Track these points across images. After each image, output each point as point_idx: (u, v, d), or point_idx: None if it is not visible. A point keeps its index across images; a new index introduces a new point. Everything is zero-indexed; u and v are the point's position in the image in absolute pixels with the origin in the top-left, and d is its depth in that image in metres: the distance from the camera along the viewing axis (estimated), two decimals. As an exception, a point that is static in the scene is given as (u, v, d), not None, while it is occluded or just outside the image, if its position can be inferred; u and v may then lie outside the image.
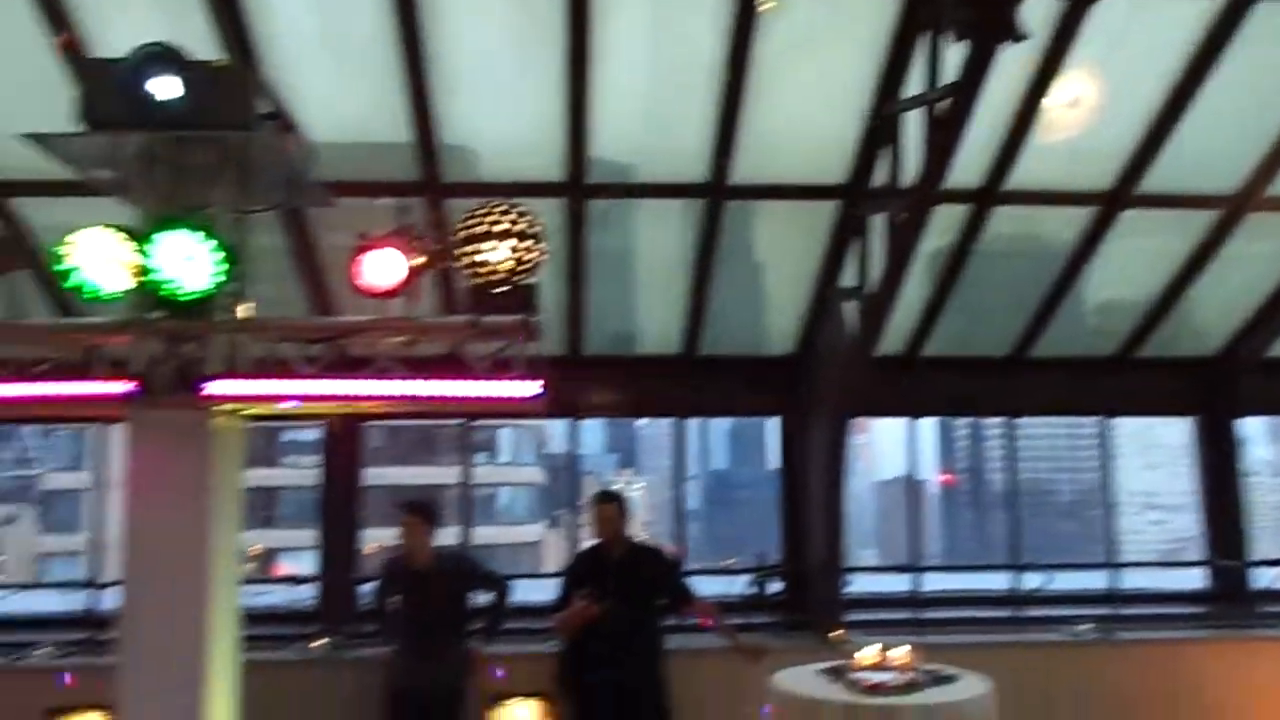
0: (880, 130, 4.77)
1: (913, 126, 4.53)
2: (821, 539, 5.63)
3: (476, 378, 3.45)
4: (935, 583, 6.50)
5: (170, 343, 3.42)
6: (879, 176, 4.89)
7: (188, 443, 3.43)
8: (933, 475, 52.14)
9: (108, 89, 3.21)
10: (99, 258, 3.18)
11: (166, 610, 3.38)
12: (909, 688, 3.74)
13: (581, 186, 5.04)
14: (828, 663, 4.11)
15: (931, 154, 4.35)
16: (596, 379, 5.88)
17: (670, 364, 5.99)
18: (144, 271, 3.15)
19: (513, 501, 39.72)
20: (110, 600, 5.78)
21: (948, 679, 3.91)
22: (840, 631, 5.35)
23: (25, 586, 7.22)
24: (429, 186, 4.90)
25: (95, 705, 4.83)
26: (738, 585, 6.05)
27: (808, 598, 5.78)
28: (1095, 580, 6.61)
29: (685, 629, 5.30)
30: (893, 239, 4.72)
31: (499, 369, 3.50)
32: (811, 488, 5.77)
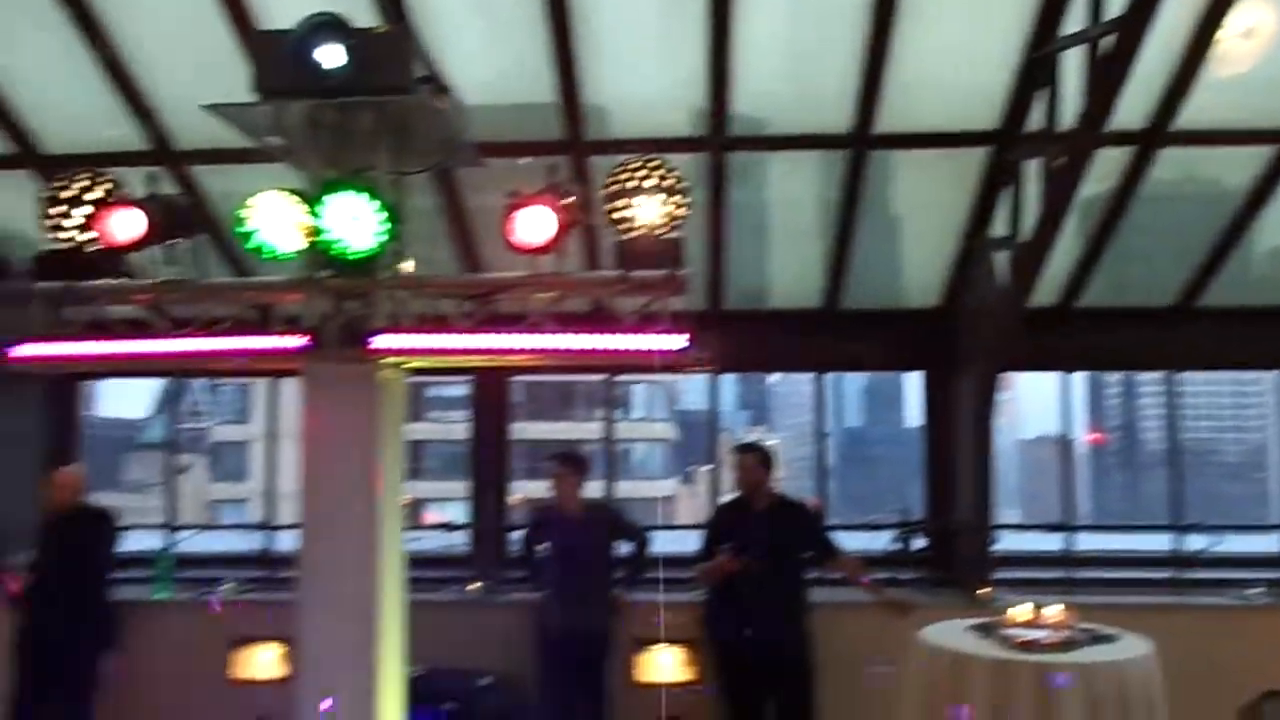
0: (1037, 71, 4.55)
1: (1072, 66, 4.31)
2: (968, 496, 5.51)
3: (624, 332, 3.51)
4: (1088, 543, 6.28)
5: (338, 299, 3.62)
6: (1034, 120, 4.68)
7: (356, 393, 3.63)
8: (1082, 433, 50.05)
9: (278, 60, 3.39)
10: (275, 220, 3.38)
11: (340, 550, 3.61)
12: (1065, 645, 3.64)
13: (722, 140, 5.02)
14: (977, 619, 4.04)
15: (1093, 94, 4.12)
16: (735, 334, 5.87)
17: (810, 318, 5.94)
18: (315, 232, 3.34)
19: (646, 457, 40.33)
20: (283, 541, 6.24)
21: (1107, 638, 3.79)
22: (988, 589, 5.24)
23: (204, 528, 7.84)
24: (573, 145, 4.97)
25: (275, 637, 5.25)
26: (880, 541, 6.00)
27: (953, 555, 5.68)
28: (1265, 544, 6.26)
29: (828, 583, 5.33)
30: (1049, 185, 4.52)
31: (645, 323, 3.56)
32: (957, 444, 5.64)
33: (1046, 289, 5.38)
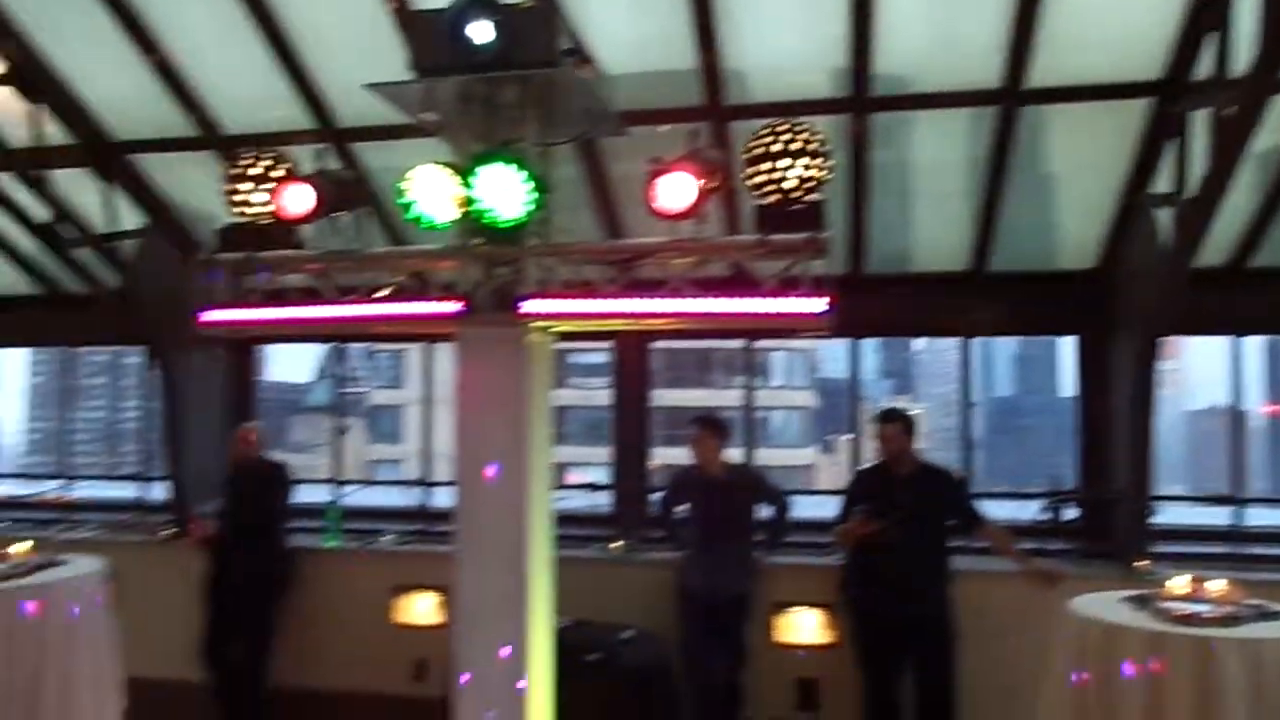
0: (1205, 14, 4.27)
1: (1246, 6, 4.03)
2: (1125, 465, 5.29)
3: (764, 295, 3.55)
4: (1260, 518, 5.93)
5: (490, 266, 3.81)
6: (1202, 68, 4.40)
7: (506, 355, 3.81)
8: (1257, 404, 46.54)
9: (432, 38, 3.57)
10: (431, 192, 3.57)
11: (492, 504, 3.82)
12: (1228, 621, 3.48)
13: (864, 100, 4.94)
14: (1131, 591, 3.90)
15: (1270, 36, 3.84)
16: (878, 298, 5.80)
17: (956, 281, 5.79)
18: (467, 203, 3.51)
19: (785, 425, 40.05)
20: (438, 497, 6.60)
21: (1276, 615, 3.61)
22: (1145, 562, 5.04)
23: (366, 483, 8.34)
24: (714, 110, 4.99)
25: (432, 586, 5.59)
26: (1030, 511, 5.83)
27: (1108, 526, 5.47)
28: None
29: (973, 551, 5.24)
30: (1218, 137, 4.24)
31: (786, 287, 3.59)
32: (1114, 411, 5.41)
33: (1215, 248, 5.05)
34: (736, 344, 6.90)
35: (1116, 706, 3.44)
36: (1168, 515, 5.67)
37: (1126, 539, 5.17)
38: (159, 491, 7.06)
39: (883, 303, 5.78)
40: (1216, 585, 3.74)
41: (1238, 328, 5.74)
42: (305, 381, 45.28)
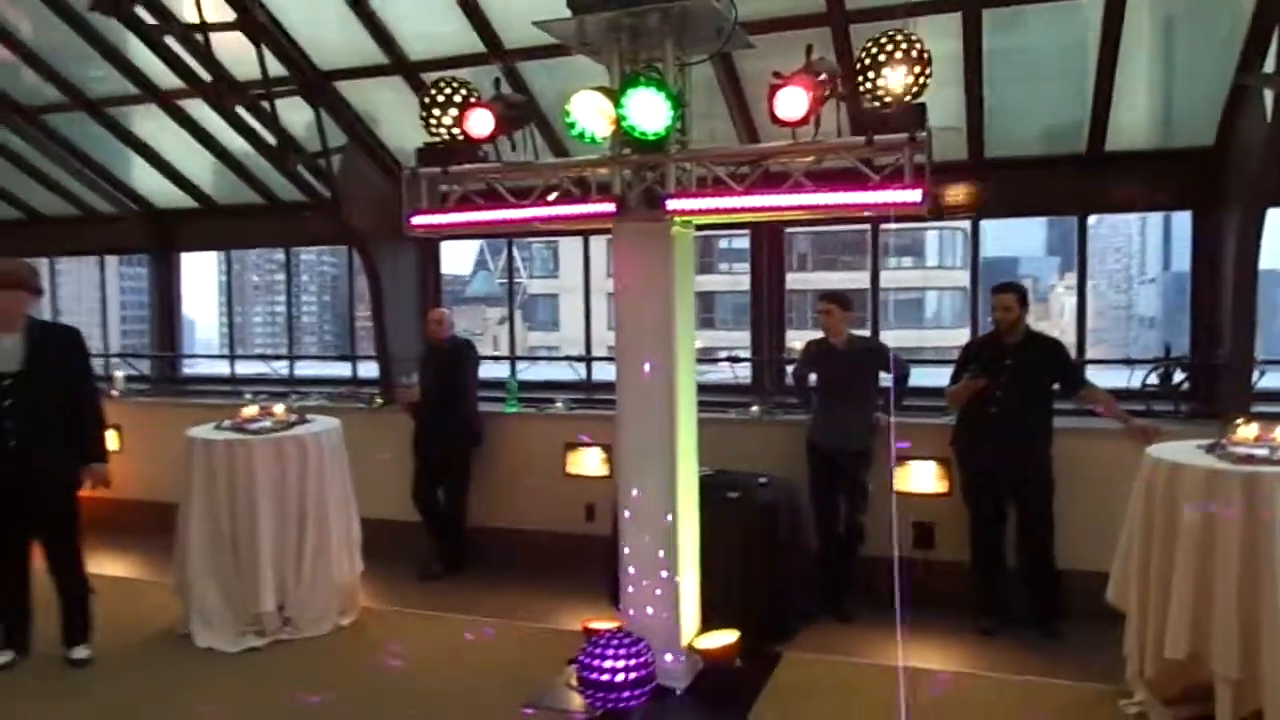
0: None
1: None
2: (1231, 332, 5.64)
3: (869, 188, 4.17)
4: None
5: (638, 171, 4.57)
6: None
7: (654, 246, 4.60)
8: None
9: (586, -20, 4.27)
10: (589, 112, 4.33)
11: (645, 372, 4.67)
12: (1284, 462, 3.98)
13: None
14: (1208, 440, 4.39)
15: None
16: (999, 180, 6.20)
17: (1072, 161, 6.13)
18: (619, 120, 4.26)
19: (940, 306, 39.47)
20: (597, 371, 7.57)
21: (1332, 458, 4.06)
22: (1242, 421, 5.44)
23: (536, 359, 9.42)
24: (834, 15, 5.48)
25: (597, 443, 6.59)
26: (1148, 377, 6.24)
27: (1214, 390, 5.86)
28: None
29: (1080, 412, 5.76)
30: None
31: (891, 179, 4.19)
32: (1222, 281, 5.73)
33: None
34: (892, 226, 7.37)
35: (1174, 538, 4.03)
36: (1272, 380, 5.98)
37: (1228, 400, 5.54)
38: (363, 368, 8.37)
39: (1003, 185, 6.20)
40: (1281, 432, 4.21)
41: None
42: (466, 274, 47.81)
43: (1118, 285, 64.78)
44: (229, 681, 4.87)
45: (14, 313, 4.87)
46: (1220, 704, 3.91)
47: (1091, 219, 6.56)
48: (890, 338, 6.83)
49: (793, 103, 4.09)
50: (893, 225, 5.53)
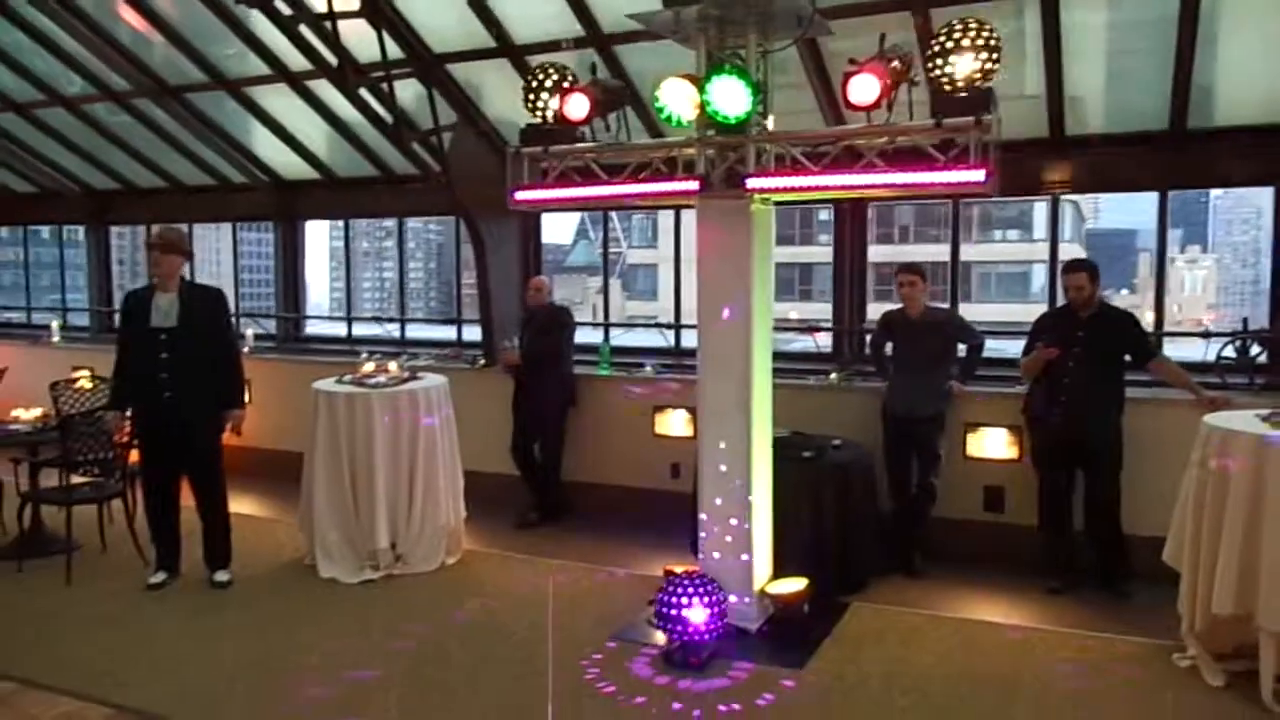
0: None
1: None
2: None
3: (936, 168, 4.44)
4: None
5: (720, 151, 4.93)
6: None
7: (735, 222, 4.97)
8: None
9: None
10: (677, 97, 4.70)
11: (726, 338, 5.05)
12: (1336, 432, 4.13)
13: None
14: (1267, 410, 4.53)
15: None
16: (1077, 157, 6.32)
17: (1157, 137, 6.20)
18: (704, 104, 4.62)
19: (1047, 279, 38.52)
20: (686, 338, 7.96)
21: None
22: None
23: (629, 326, 9.87)
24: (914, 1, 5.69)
25: (683, 406, 7.01)
26: (1227, 350, 6.31)
27: (1290, 363, 5.93)
28: None
29: (1152, 384, 5.91)
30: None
31: (959, 159, 4.45)
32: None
33: None
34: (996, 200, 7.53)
35: (1224, 501, 4.24)
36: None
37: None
38: (468, 331, 8.96)
39: (1088, 161, 6.33)
40: (1340, 405, 4.34)
41: None
42: (567, 244, 48.67)
43: (1244, 258, 61.74)
44: (348, 607, 5.48)
45: (174, 274, 5.56)
46: (1264, 659, 4.12)
47: (1216, 191, 6.55)
48: (994, 311, 7.02)
49: (865, 88, 4.38)
50: (999, 199, 5.73)
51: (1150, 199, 6.70)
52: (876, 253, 9.44)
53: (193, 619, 5.30)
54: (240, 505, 7.17)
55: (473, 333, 8.79)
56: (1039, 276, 38.48)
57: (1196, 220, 61.62)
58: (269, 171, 9.45)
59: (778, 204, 5.17)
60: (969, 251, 34.70)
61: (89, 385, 7.66)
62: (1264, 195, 6.17)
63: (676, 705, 4.22)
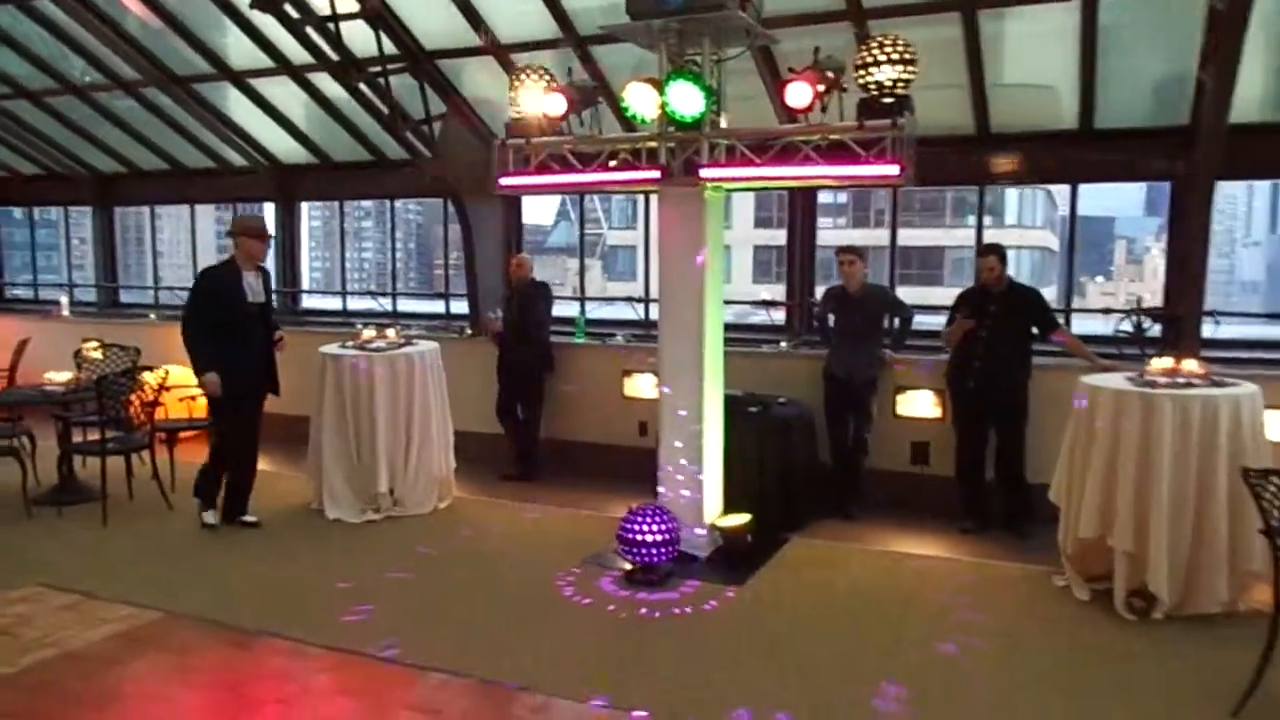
0: None
1: None
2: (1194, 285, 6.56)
3: (858, 162, 5.25)
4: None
5: (680, 145, 5.72)
6: None
7: (690, 207, 5.76)
8: None
9: (641, -5, 5.40)
10: (640, 99, 5.49)
11: (683, 307, 5.85)
12: (1182, 387, 4.97)
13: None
14: (1135, 372, 5.38)
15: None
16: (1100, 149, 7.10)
17: (1064, 136, 7.05)
18: (663, 105, 5.41)
19: (1018, 263, 39.63)
20: (654, 311, 8.75)
21: (1224, 384, 5.03)
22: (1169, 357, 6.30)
23: (603, 300, 10.66)
24: (852, 13, 6.49)
25: (647, 370, 7.81)
26: (1124, 325, 7.19)
27: (1178, 337, 6.78)
28: None
29: (1056, 353, 6.76)
30: None
31: (876, 156, 5.25)
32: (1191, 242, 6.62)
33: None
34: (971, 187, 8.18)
35: (1091, 443, 5.10)
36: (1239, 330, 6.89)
37: (1182, 346, 6.47)
38: (454, 305, 9.73)
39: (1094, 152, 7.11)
40: (1190, 365, 5.20)
41: None
42: (548, 225, 49.35)
43: (1219, 249, 63.01)
44: (354, 542, 6.27)
45: (261, 256, 6.40)
46: (1118, 574, 5.00)
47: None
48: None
49: (799, 94, 5.20)
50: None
51: (1135, 188, 7.46)
52: (858, 236, 10.23)
53: (226, 550, 6.08)
54: (249, 459, 7.94)
55: (459, 306, 9.55)
56: (1009, 260, 39.61)
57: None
58: (268, 155, 10.14)
59: (733, 191, 5.97)
60: (943, 236, 35.79)
61: (100, 355, 8.40)
62: (1239, 187, 6.99)
63: (642, 611, 5.05)
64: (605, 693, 4.04)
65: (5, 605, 4.96)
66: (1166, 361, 5.31)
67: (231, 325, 6.25)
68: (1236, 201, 58.10)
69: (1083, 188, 7.67)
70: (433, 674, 4.23)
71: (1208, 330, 6.90)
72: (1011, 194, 38.60)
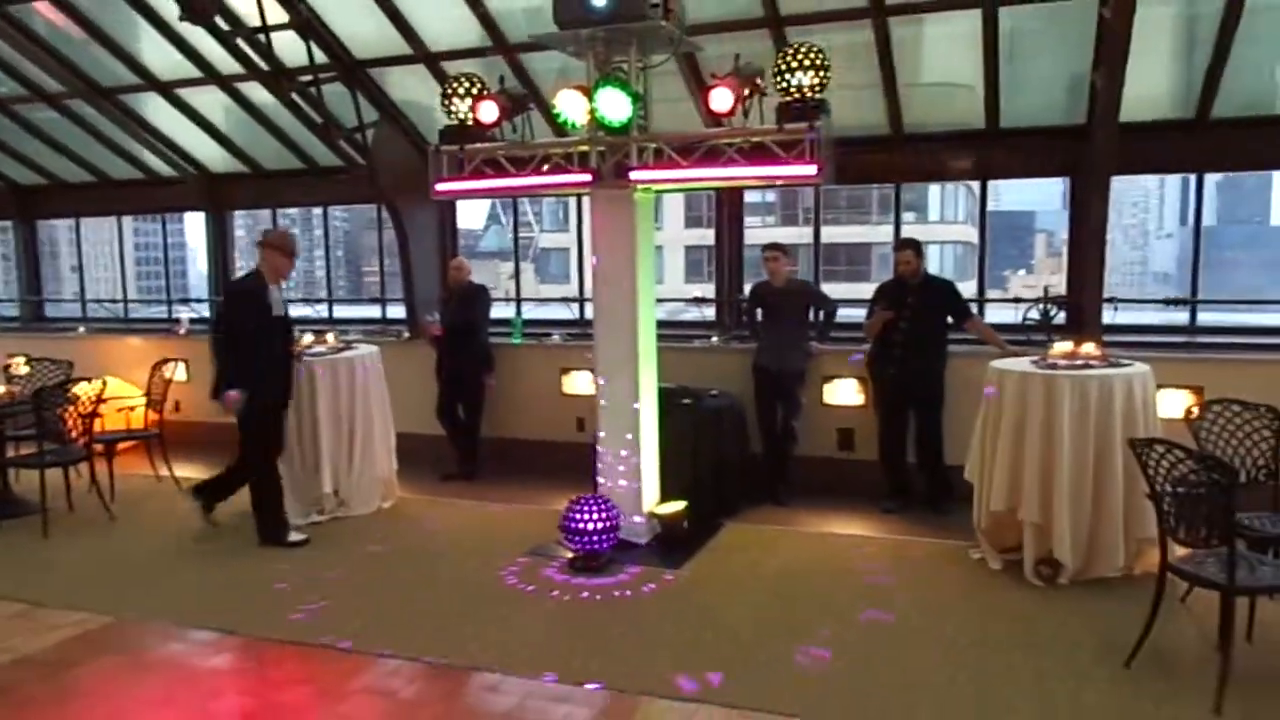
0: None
1: None
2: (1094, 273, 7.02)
3: (779, 163, 5.54)
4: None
5: (609, 149, 5.97)
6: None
7: (621, 208, 6.01)
8: None
9: (570, 6, 5.61)
10: (570, 105, 5.72)
11: (617, 304, 6.09)
12: (1080, 369, 5.37)
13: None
14: (1039, 355, 5.79)
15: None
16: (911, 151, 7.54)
17: (974, 135, 7.47)
18: (592, 112, 5.65)
19: (942, 257, 40.75)
20: (588, 311, 8.98)
21: (1117, 365, 5.45)
22: (1069, 342, 6.73)
23: (540, 300, 10.87)
24: (770, 20, 6.81)
25: (584, 367, 8.03)
26: (1031, 313, 7.64)
27: (1080, 323, 7.25)
28: None
29: (970, 341, 7.16)
30: None
31: (795, 157, 5.56)
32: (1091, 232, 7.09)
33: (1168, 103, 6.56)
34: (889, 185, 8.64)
35: (999, 422, 5.47)
36: (1136, 316, 7.39)
37: (1084, 332, 6.92)
38: (390, 309, 9.83)
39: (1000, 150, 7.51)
40: (1088, 348, 5.62)
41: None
42: (479, 229, 49.20)
43: (1133, 241, 65.22)
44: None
45: (286, 274, 6.48)
46: (1027, 543, 5.38)
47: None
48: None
49: (721, 99, 5.48)
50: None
51: (1055, 183, 7.94)
52: (787, 234, 10.59)
53: (174, 556, 6.15)
54: (186, 470, 7.97)
55: (395, 311, 9.66)
56: (933, 255, 40.72)
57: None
58: (197, 165, 10.11)
59: (662, 192, 6.23)
60: (871, 233, 36.69)
61: (27, 369, 8.35)
62: (1152, 181, 7.56)
63: (585, 595, 5.28)
64: (555, 669, 4.26)
65: (-48, 616, 4.99)
66: (1067, 345, 5.71)
67: (265, 336, 6.24)
68: (1149, 195, 60.21)
69: (1003, 183, 8.10)
70: (385, 660, 4.41)
71: (1110, 317, 7.37)
72: (934, 190, 39.71)
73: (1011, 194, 53.17)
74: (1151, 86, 6.84)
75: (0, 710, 3.99)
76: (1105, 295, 7.21)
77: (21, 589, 5.41)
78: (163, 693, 4.18)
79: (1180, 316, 7.80)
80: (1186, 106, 6.91)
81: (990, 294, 8.53)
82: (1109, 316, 7.39)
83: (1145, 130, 6.92)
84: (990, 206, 8.64)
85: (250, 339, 6.17)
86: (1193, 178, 7.83)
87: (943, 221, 40.58)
